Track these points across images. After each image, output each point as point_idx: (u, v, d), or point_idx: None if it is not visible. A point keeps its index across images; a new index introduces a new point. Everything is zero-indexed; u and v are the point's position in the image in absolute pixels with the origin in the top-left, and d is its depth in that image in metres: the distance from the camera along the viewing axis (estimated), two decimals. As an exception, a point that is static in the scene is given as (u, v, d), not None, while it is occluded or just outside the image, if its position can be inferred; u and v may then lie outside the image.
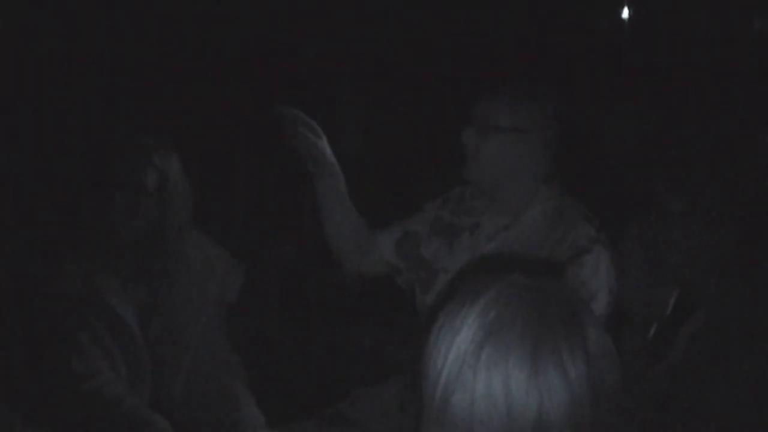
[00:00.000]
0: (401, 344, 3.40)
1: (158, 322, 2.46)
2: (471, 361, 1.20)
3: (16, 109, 3.16)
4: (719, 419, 1.72)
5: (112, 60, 3.52)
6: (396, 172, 4.14)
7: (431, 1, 4.05)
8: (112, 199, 2.34)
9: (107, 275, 2.42)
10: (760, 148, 1.80)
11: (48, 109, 3.24)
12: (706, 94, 3.19)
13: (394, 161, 4.15)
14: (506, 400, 1.17)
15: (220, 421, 2.41)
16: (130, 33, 3.61)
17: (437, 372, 1.23)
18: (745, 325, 1.79)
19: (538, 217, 2.39)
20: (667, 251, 1.90)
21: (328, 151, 2.49)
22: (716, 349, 1.81)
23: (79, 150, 2.58)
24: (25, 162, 3.10)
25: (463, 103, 2.47)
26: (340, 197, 2.56)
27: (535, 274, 1.29)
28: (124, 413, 2.27)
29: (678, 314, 2.15)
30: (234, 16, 4.00)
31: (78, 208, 2.44)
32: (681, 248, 1.87)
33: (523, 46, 3.64)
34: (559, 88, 2.46)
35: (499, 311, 1.22)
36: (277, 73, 4.12)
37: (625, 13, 3.87)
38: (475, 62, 3.74)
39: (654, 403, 1.86)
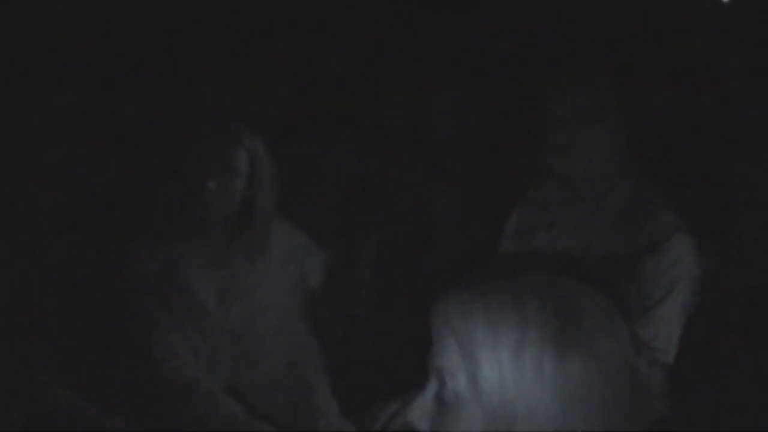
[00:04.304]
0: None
1: (238, 305, 2.48)
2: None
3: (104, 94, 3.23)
4: None
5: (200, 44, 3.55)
6: (488, 157, 4.09)
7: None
8: (204, 181, 2.36)
9: (189, 258, 2.44)
10: None
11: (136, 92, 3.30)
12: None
13: (487, 146, 4.09)
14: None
15: (295, 406, 2.41)
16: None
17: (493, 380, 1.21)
18: None
19: (617, 205, 2.33)
20: None
21: None
22: None
23: (168, 132, 2.61)
24: (110, 143, 3.17)
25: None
26: None
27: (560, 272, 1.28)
28: (199, 396, 2.29)
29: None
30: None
31: (163, 190, 2.48)
32: None
33: (613, 32, 3.52)
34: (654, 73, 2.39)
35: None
36: (372, 59, 4.10)
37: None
38: (563, 48, 3.64)
39: None
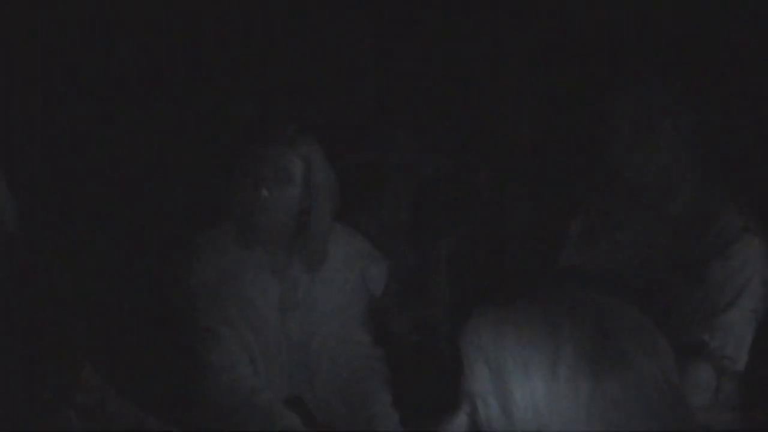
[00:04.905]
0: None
1: (297, 315, 2.47)
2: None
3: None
4: None
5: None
6: (564, 159, 4.00)
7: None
8: (259, 189, 2.36)
9: (249, 267, 2.44)
10: None
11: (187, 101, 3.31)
12: None
13: (564, 149, 4.00)
14: None
15: (354, 415, 2.39)
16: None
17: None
18: None
19: (683, 207, 2.25)
20: None
21: None
22: None
23: (223, 140, 2.61)
24: (165, 153, 3.18)
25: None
26: None
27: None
28: (257, 406, 2.30)
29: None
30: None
31: (220, 199, 2.49)
32: None
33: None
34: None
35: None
36: (439, 57, 4.06)
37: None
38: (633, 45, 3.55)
39: None
